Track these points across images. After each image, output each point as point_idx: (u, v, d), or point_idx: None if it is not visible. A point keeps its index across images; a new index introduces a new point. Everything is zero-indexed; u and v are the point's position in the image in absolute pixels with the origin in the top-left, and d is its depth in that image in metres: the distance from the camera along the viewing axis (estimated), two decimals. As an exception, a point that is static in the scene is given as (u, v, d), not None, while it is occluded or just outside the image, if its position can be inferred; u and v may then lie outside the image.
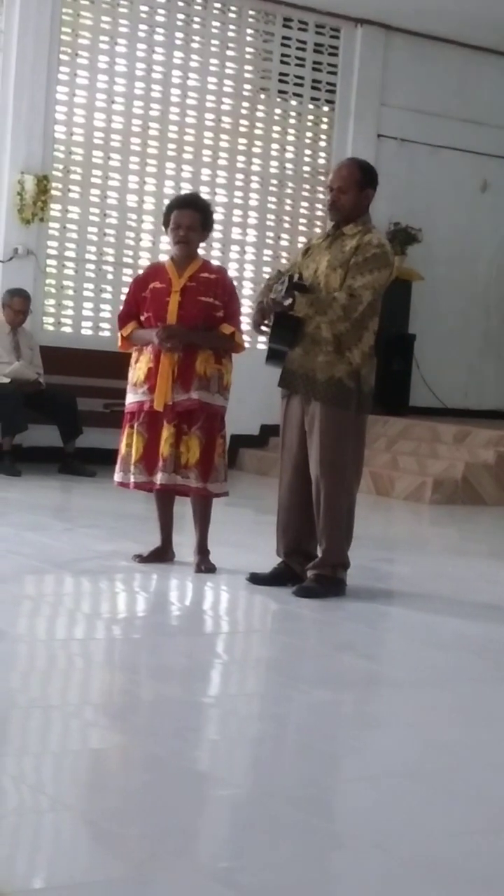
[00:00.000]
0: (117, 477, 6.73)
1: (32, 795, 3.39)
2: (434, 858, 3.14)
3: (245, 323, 7.40)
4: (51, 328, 11.31)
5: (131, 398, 6.69)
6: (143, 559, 6.71)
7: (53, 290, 11.35)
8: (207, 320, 6.56)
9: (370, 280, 6.14)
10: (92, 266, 11.47)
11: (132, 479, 6.64)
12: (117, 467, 6.72)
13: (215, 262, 10.08)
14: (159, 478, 6.55)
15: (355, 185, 6.28)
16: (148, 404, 6.57)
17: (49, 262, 11.25)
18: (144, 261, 11.36)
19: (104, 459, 9.29)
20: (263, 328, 6.32)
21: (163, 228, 6.96)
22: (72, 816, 3.27)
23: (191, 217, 6.62)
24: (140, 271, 8.29)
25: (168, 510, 6.78)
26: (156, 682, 4.66)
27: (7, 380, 10.21)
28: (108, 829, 3.18)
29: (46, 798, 3.38)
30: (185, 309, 6.55)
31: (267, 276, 6.84)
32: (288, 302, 6.06)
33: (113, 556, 6.88)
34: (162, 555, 6.76)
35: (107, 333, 11.29)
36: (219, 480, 6.64)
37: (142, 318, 6.66)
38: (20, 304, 10.53)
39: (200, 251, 6.85)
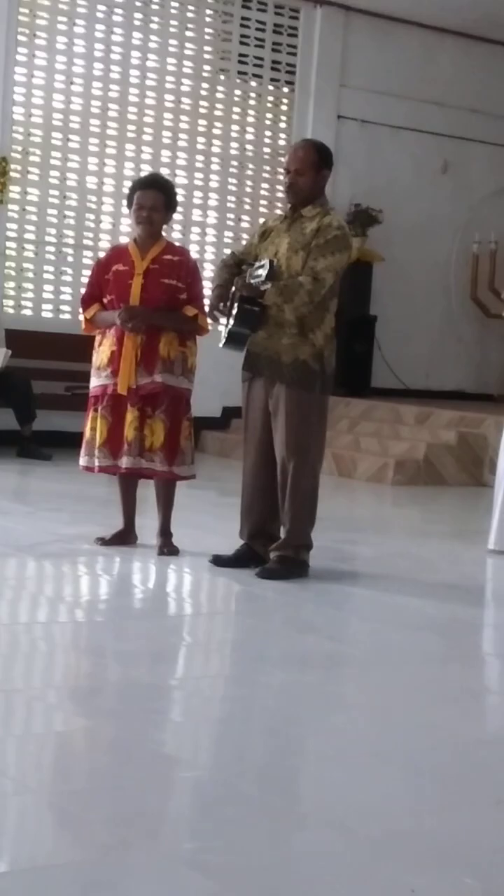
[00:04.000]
0: (82, 461, 6.71)
1: (-4, 780, 3.38)
2: (398, 836, 3.15)
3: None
4: (11, 311, 11.25)
5: (95, 381, 6.67)
6: (105, 542, 6.70)
7: (13, 273, 11.29)
8: (170, 302, 6.54)
9: (332, 262, 6.14)
10: (52, 248, 11.42)
11: (97, 463, 6.62)
12: (82, 451, 6.70)
13: (176, 244, 10.05)
14: (124, 461, 6.53)
15: (312, 167, 6.27)
16: (112, 388, 6.55)
17: (8, 244, 11.19)
18: (105, 243, 11.31)
19: (66, 443, 9.27)
20: (218, 314, 6.31)
21: (123, 210, 6.93)
22: (36, 800, 3.26)
23: (154, 197, 6.60)
24: (101, 253, 8.29)
25: (131, 493, 6.77)
26: (120, 665, 4.65)
27: None
28: (73, 812, 3.17)
29: (10, 782, 3.37)
30: (148, 291, 6.53)
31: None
32: (266, 287, 6.04)
33: (75, 539, 6.86)
34: (125, 537, 6.74)
35: (67, 316, 11.25)
36: (185, 463, 6.63)
37: (105, 300, 6.64)
38: None
39: (163, 232, 6.83)
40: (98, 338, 6.70)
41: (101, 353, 6.64)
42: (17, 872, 2.82)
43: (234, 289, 6.23)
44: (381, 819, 3.26)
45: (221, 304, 6.27)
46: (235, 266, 6.40)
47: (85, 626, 5.28)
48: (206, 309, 6.48)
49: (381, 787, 3.54)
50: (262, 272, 6.02)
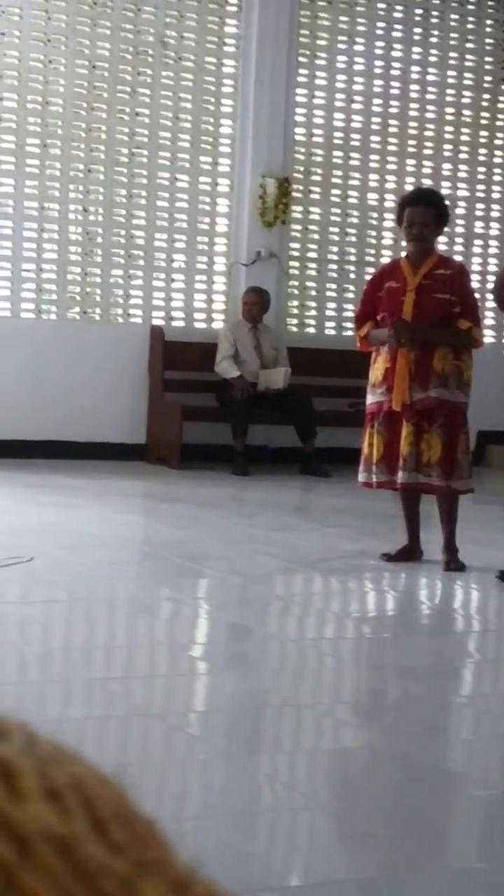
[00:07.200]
0: (361, 477, 6.73)
1: (287, 794, 3.41)
2: None
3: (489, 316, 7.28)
4: (294, 329, 11.40)
5: (371, 399, 6.69)
6: (390, 558, 6.69)
7: (296, 292, 11.44)
8: (444, 317, 6.49)
9: None
10: (334, 266, 11.51)
11: (374, 479, 6.64)
12: (360, 467, 6.73)
13: (457, 258, 10.02)
14: (400, 476, 6.52)
15: None
16: (387, 404, 6.55)
17: (291, 263, 11.35)
18: (386, 259, 11.32)
19: (349, 459, 9.31)
20: None
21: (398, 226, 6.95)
22: (325, 815, 3.28)
23: (424, 213, 6.57)
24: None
25: (414, 508, 6.74)
26: (407, 681, 4.64)
27: (236, 373, 10.40)
28: (362, 828, 3.17)
29: (300, 796, 3.39)
30: (421, 307, 6.50)
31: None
32: None
33: (361, 555, 6.88)
34: (410, 553, 6.72)
35: (350, 333, 11.30)
36: (462, 477, 6.56)
37: (378, 318, 6.65)
38: (247, 297, 10.71)
39: (442, 246, 6.79)
40: (373, 355, 6.72)
41: (376, 370, 6.65)
42: (309, 887, 2.83)
43: None
44: None
45: None
46: None
47: (371, 642, 5.28)
48: (489, 321, 6.40)
49: None
50: None
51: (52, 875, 0.34)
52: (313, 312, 11.51)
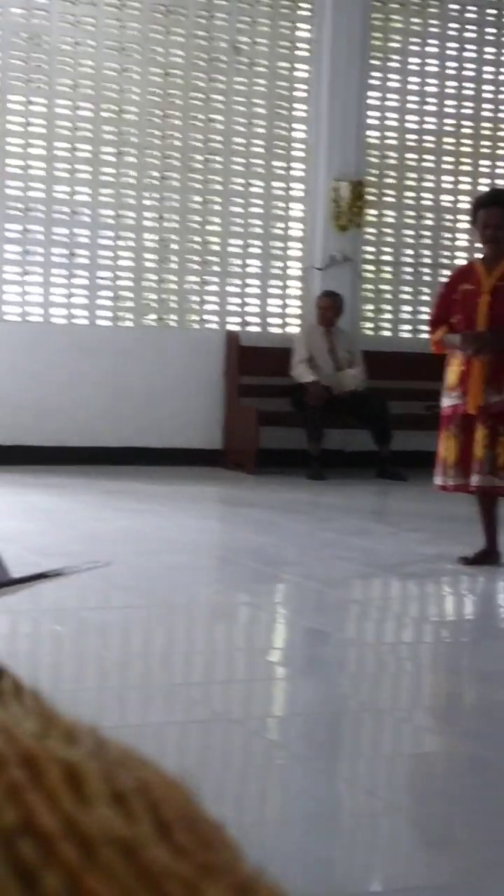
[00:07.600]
0: (437, 480, 6.71)
1: (366, 799, 3.40)
2: None
3: None
4: (370, 333, 11.38)
5: (446, 402, 6.66)
6: (468, 562, 6.65)
7: (371, 295, 11.42)
8: (520, 319, 6.46)
9: None
10: (409, 269, 11.48)
11: (450, 482, 6.61)
12: (436, 470, 6.70)
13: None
14: (475, 480, 6.48)
15: None
16: (461, 407, 6.52)
17: (366, 267, 11.33)
18: (462, 261, 11.29)
19: (425, 462, 9.28)
20: None
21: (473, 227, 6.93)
22: (405, 820, 3.26)
23: (498, 215, 6.54)
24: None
25: (491, 512, 6.70)
26: (486, 686, 4.60)
27: (312, 378, 10.39)
28: (442, 833, 3.15)
29: (380, 802, 3.38)
30: (496, 310, 6.46)
31: None
32: None
33: (438, 559, 6.84)
34: (488, 557, 6.68)
35: (426, 336, 11.26)
36: (540, 480, 6.52)
37: (453, 321, 6.61)
38: (321, 301, 10.75)
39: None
40: (448, 357, 6.70)
41: (451, 373, 6.63)
42: (390, 892, 2.82)
43: None
44: None
45: None
46: None
47: (450, 647, 5.25)
48: None
49: None
50: None
51: (116, 877, 0.34)
52: (388, 315, 11.49)
